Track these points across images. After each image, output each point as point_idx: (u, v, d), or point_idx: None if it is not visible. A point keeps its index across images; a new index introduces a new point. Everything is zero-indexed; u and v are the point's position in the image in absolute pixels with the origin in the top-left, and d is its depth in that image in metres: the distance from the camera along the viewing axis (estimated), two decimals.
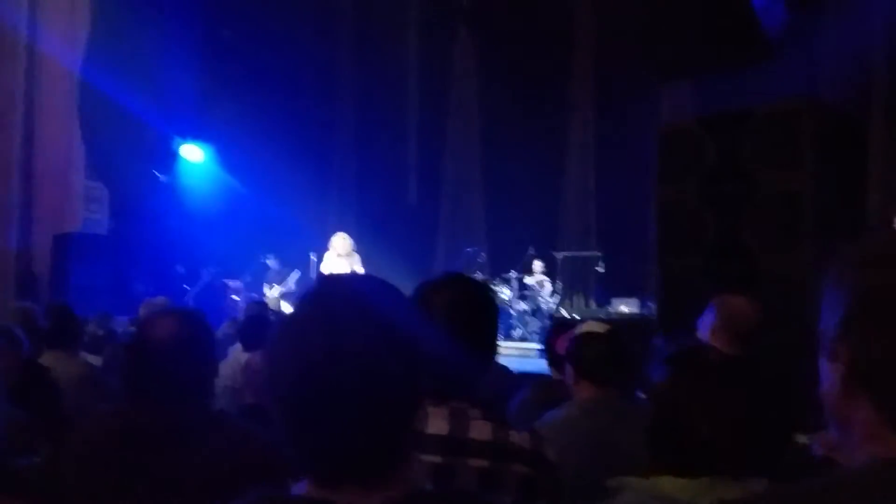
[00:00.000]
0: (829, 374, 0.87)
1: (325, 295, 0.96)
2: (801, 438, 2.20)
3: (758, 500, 1.13)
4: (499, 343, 1.73)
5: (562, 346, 2.71)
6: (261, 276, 10.96)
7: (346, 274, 0.89)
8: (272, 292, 10.56)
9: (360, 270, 9.56)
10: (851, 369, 0.84)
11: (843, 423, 0.87)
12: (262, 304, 7.73)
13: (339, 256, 9.69)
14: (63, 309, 3.94)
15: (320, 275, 8.99)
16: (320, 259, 10.01)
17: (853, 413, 0.85)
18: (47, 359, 3.48)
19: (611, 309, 9.97)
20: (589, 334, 2.45)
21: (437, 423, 1.45)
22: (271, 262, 10.92)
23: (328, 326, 0.90)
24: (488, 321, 1.60)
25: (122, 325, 5.98)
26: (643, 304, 9.47)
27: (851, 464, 0.86)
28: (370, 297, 0.95)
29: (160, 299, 5.63)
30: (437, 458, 1.42)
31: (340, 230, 10.13)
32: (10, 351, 3.00)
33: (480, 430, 1.46)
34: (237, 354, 4.59)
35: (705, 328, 2.80)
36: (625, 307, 9.62)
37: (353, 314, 0.91)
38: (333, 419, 0.89)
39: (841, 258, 0.90)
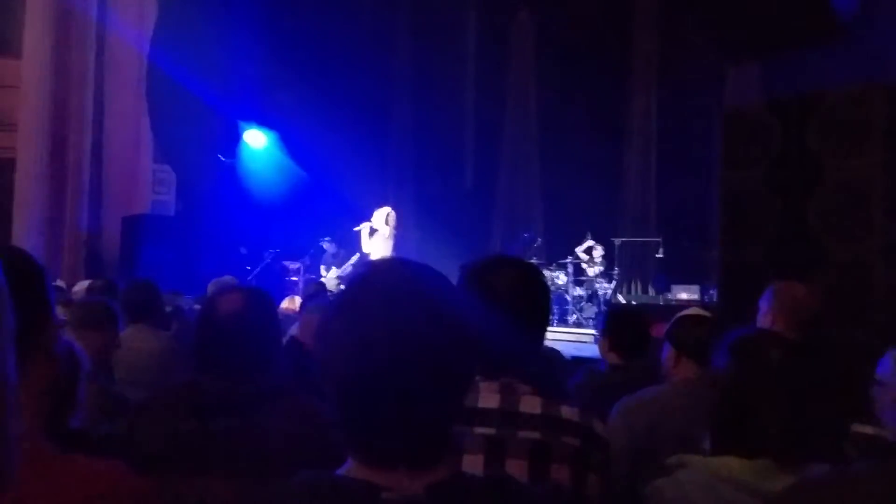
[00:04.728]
0: None
1: (377, 277, 0.97)
2: (866, 429, 2.16)
3: (819, 485, 1.13)
4: (551, 323, 1.75)
5: (659, 331, 2.83)
6: (319, 259, 11.15)
7: (393, 258, 0.91)
8: (330, 275, 10.73)
9: (390, 239, 9.63)
10: None
11: None
12: (320, 285, 7.88)
13: (376, 230, 9.78)
14: (148, 284, 4.05)
15: (368, 259, 9.13)
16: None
17: None
18: (130, 332, 3.56)
19: (670, 296, 9.83)
20: (695, 316, 2.60)
21: (488, 398, 1.48)
22: (327, 246, 11.10)
23: (384, 309, 0.91)
24: (538, 300, 1.62)
25: (187, 303, 6.16)
26: (704, 292, 9.31)
27: None
28: (422, 280, 0.96)
29: (228, 278, 5.77)
30: (490, 430, 1.46)
31: (398, 213, 10.20)
32: (111, 327, 3.03)
33: (530, 403, 1.48)
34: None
35: (762, 314, 2.77)
36: (685, 294, 9.47)
37: (408, 296, 0.92)
38: (386, 402, 0.90)
39: None
